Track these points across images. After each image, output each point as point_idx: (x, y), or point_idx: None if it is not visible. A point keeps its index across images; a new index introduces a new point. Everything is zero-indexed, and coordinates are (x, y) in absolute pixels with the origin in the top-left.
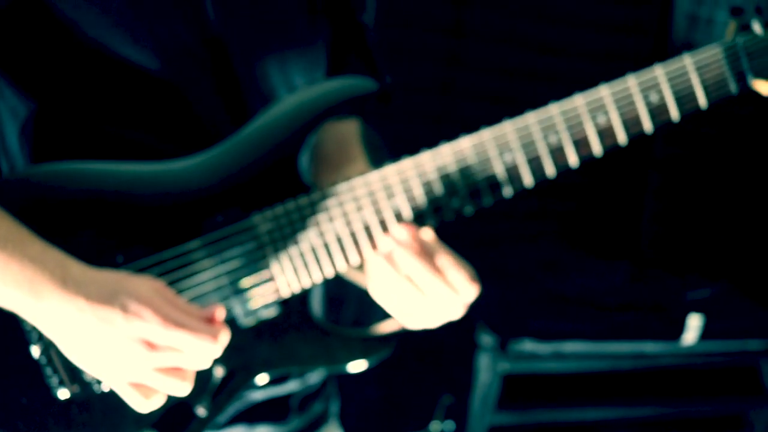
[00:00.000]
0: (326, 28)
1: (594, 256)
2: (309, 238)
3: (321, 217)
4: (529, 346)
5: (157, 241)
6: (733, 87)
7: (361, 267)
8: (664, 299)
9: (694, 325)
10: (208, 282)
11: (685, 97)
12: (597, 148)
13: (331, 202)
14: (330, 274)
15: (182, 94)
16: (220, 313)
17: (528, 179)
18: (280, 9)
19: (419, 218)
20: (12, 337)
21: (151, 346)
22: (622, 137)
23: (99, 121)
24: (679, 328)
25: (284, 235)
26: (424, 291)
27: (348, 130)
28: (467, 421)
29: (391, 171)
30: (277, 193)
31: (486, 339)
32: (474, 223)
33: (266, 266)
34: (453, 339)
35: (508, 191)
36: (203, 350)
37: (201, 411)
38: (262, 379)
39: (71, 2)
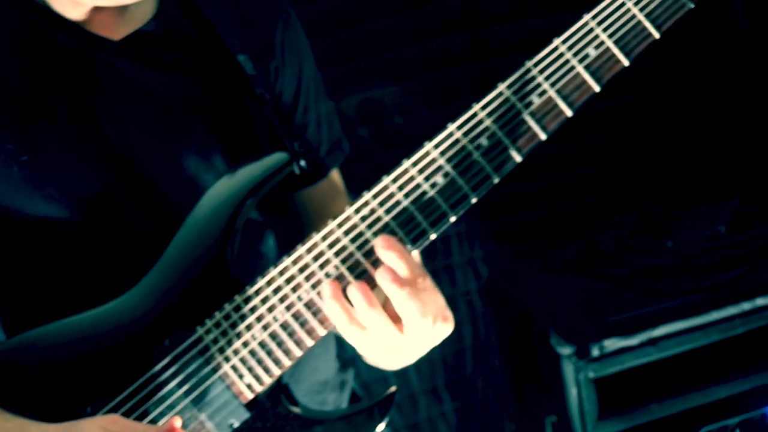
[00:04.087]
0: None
1: (693, 204)
2: (254, 334)
3: (260, 310)
4: (613, 343)
5: (118, 382)
6: None
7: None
8: None
9: None
10: (172, 406)
11: None
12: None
13: (266, 292)
14: (286, 364)
15: (104, 230)
16: (177, 421)
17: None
18: (178, 115)
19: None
20: None
21: None
22: None
23: (43, 282)
24: None
25: (230, 341)
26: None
27: (325, 189)
28: None
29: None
30: (215, 299)
31: (563, 349)
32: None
33: (223, 375)
34: (540, 353)
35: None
36: None
37: None
38: None
39: None
